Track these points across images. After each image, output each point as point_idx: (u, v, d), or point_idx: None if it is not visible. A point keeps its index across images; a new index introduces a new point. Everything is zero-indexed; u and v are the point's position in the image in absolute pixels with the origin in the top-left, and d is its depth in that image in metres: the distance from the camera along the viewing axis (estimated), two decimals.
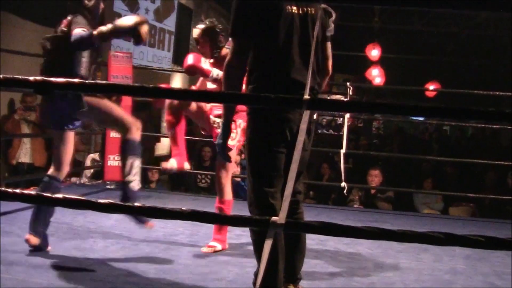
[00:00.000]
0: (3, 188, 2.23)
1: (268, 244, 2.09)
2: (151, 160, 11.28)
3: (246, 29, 3.30)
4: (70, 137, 4.51)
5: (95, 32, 4.08)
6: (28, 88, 2.07)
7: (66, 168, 4.52)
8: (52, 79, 2.18)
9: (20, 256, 4.25)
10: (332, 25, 3.47)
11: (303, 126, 2.24)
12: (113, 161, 7.11)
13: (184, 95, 2.42)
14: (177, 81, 16.29)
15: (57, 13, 10.81)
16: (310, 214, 6.36)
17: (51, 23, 10.33)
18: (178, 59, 16.03)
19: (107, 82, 2.35)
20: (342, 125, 8.95)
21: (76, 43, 4.06)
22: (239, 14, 3.32)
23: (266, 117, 3.30)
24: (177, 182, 9.82)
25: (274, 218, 2.01)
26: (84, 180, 8.07)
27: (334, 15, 3.45)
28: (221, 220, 1.98)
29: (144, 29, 4.10)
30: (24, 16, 10.12)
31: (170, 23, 15.36)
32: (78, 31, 4.09)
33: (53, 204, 2.12)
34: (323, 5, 3.29)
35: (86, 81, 2.13)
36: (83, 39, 4.06)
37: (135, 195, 4.41)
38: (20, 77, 2.09)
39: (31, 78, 2.10)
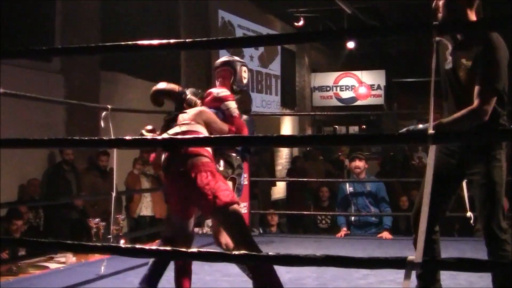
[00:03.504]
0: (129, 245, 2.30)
1: (406, 284, 2.06)
2: (268, 204, 11.36)
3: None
4: None
5: None
6: (157, 146, 2.14)
7: None
8: (179, 136, 2.25)
9: None
10: (450, 58, 3.50)
11: (430, 161, 2.21)
12: None
13: (307, 141, 2.43)
14: (287, 124, 16.41)
15: (166, 70, 11.24)
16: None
17: (161, 79, 10.79)
18: (285, 102, 16.19)
19: (232, 135, 2.39)
20: None
21: None
22: (503, 68, 3.56)
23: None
24: (296, 224, 9.84)
25: (410, 257, 1.99)
26: (206, 229, 8.17)
27: (450, 47, 3.45)
28: (357, 263, 1.96)
29: None
30: (135, 74, 10.52)
31: (275, 67, 15.54)
32: None
33: (189, 257, 2.17)
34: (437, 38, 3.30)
35: (211, 136, 2.18)
36: None
37: None
38: (149, 136, 2.18)
39: (159, 137, 2.18)
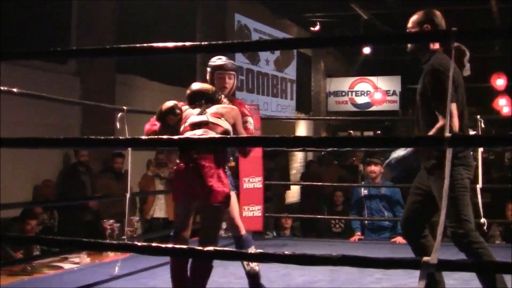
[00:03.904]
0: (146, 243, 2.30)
1: (421, 285, 2.05)
2: (282, 207, 11.36)
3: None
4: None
5: None
6: (173, 146, 2.14)
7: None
8: (195, 136, 2.26)
9: None
10: (468, 65, 3.56)
11: (447, 163, 2.20)
12: (247, 211, 7.17)
13: (324, 142, 2.43)
14: (302, 129, 16.40)
15: (182, 72, 11.26)
16: (450, 253, 6.16)
17: (176, 82, 10.83)
18: (300, 106, 16.18)
19: (247, 136, 2.41)
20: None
21: None
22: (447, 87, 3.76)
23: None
24: (310, 228, 9.82)
25: (426, 258, 1.98)
26: (220, 232, 8.18)
27: (468, 54, 3.49)
28: (372, 264, 1.96)
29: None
30: (150, 77, 10.55)
31: (290, 72, 15.54)
32: None
33: (206, 257, 2.17)
34: (456, 44, 3.33)
35: (227, 136, 2.18)
36: None
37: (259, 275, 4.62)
38: (165, 137, 2.18)
39: (176, 137, 2.18)
